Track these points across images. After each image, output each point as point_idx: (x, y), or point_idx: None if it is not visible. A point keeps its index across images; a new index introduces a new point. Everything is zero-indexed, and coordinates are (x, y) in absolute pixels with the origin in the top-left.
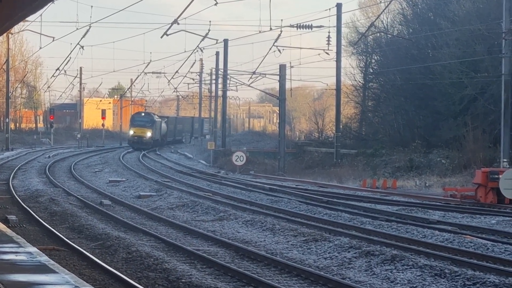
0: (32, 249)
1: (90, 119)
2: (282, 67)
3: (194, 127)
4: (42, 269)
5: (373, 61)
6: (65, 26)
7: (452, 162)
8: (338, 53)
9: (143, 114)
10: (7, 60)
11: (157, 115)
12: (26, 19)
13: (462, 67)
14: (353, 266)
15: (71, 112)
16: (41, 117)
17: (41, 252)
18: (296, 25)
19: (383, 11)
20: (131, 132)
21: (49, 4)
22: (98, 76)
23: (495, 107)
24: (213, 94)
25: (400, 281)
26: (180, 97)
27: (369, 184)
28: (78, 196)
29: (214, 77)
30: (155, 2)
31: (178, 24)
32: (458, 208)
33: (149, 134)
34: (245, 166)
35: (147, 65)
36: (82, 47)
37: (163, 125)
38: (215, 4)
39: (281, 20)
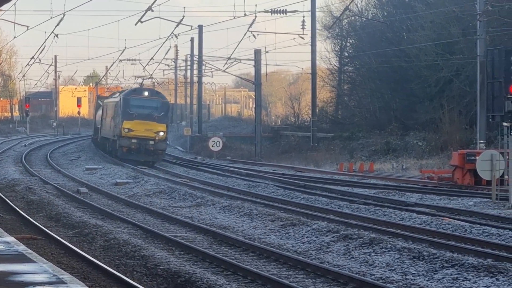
0: (10, 238)
1: (66, 107)
2: (257, 52)
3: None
4: (20, 258)
5: (348, 44)
6: (39, 15)
7: (428, 145)
8: (313, 37)
9: (146, 93)
10: None
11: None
12: (0, 8)
13: (437, 49)
14: (332, 250)
15: (46, 100)
16: (17, 106)
17: (19, 242)
18: (270, 10)
19: None
20: (125, 130)
21: None
22: (73, 64)
23: (471, 88)
24: (189, 80)
25: (378, 264)
26: (156, 83)
27: (346, 168)
28: (55, 185)
29: (189, 63)
30: None
31: (153, 11)
32: (435, 190)
33: (161, 133)
34: (221, 151)
35: (122, 52)
36: (57, 35)
37: None
38: None
39: (256, 5)
